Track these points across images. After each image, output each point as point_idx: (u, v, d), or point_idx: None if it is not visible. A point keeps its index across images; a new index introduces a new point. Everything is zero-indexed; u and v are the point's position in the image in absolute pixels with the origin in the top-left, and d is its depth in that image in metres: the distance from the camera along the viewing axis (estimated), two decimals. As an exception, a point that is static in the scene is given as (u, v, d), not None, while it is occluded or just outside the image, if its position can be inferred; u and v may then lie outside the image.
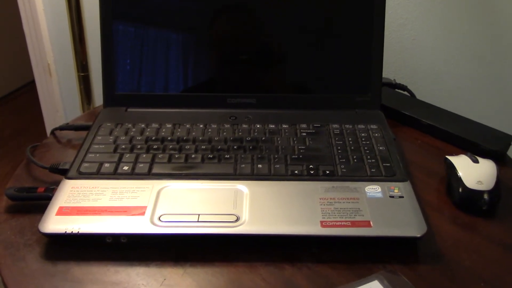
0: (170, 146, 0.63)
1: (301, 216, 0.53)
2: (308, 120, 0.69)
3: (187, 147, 0.63)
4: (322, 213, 0.53)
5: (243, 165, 0.60)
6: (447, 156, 0.63)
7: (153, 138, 0.65)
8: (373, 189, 0.56)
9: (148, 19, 0.72)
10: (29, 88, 2.31)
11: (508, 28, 0.84)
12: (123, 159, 0.61)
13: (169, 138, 0.65)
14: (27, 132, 2.09)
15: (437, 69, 0.92)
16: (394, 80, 0.84)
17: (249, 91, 0.72)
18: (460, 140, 0.70)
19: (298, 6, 0.70)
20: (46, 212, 0.53)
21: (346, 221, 0.52)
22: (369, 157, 0.62)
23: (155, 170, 0.60)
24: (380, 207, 0.54)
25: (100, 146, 0.63)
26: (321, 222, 0.52)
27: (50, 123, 1.56)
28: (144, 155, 0.62)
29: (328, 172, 0.59)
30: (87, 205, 0.54)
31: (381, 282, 0.47)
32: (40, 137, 0.73)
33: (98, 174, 0.59)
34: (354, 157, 0.62)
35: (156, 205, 0.54)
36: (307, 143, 0.64)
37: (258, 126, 0.68)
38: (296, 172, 0.59)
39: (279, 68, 0.73)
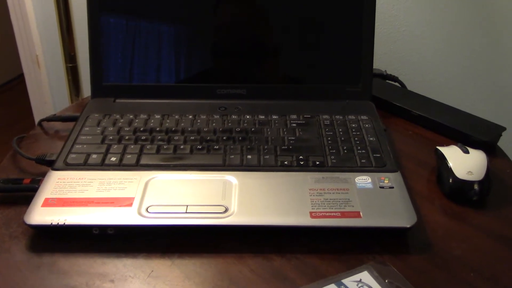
0: (159, 137, 0.63)
1: (291, 207, 0.52)
2: (298, 110, 0.68)
3: (176, 138, 0.63)
4: (311, 204, 0.52)
5: (232, 156, 0.59)
6: (437, 147, 0.63)
7: (142, 129, 0.64)
8: (363, 180, 0.56)
9: (136, 9, 0.71)
10: (18, 82, 2.29)
11: (499, 19, 0.83)
12: (111, 150, 0.60)
13: (157, 129, 0.64)
14: (16, 125, 2.07)
15: (428, 60, 0.92)
16: (385, 71, 0.84)
17: (239, 81, 0.72)
18: (451, 130, 0.70)
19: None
20: (32, 203, 0.52)
21: (335, 212, 0.52)
22: (359, 147, 0.61)
23: (143, 161, 0.59)
24: (370, 197, 0.54)
25: (88, 137, 0.63)
26: (311, 213, 0.51)
27: (39, 115, 1.54)
28: (132, 146, 0.61)
29: (318, 163, 0.59)
30: (74, 196, 0.53)
31: (371, 273, 0.47)
32: (30, 130, 0.72)
33: (85, 165, 0.58)
34: (344, 147, 0.61)
35: (144, 196, 0.53)
36: (297, 134, 0.64)
37: (247, 117, 0.67)
38: (285, 163, 0.59)
39: (270, 59, 0.73)
